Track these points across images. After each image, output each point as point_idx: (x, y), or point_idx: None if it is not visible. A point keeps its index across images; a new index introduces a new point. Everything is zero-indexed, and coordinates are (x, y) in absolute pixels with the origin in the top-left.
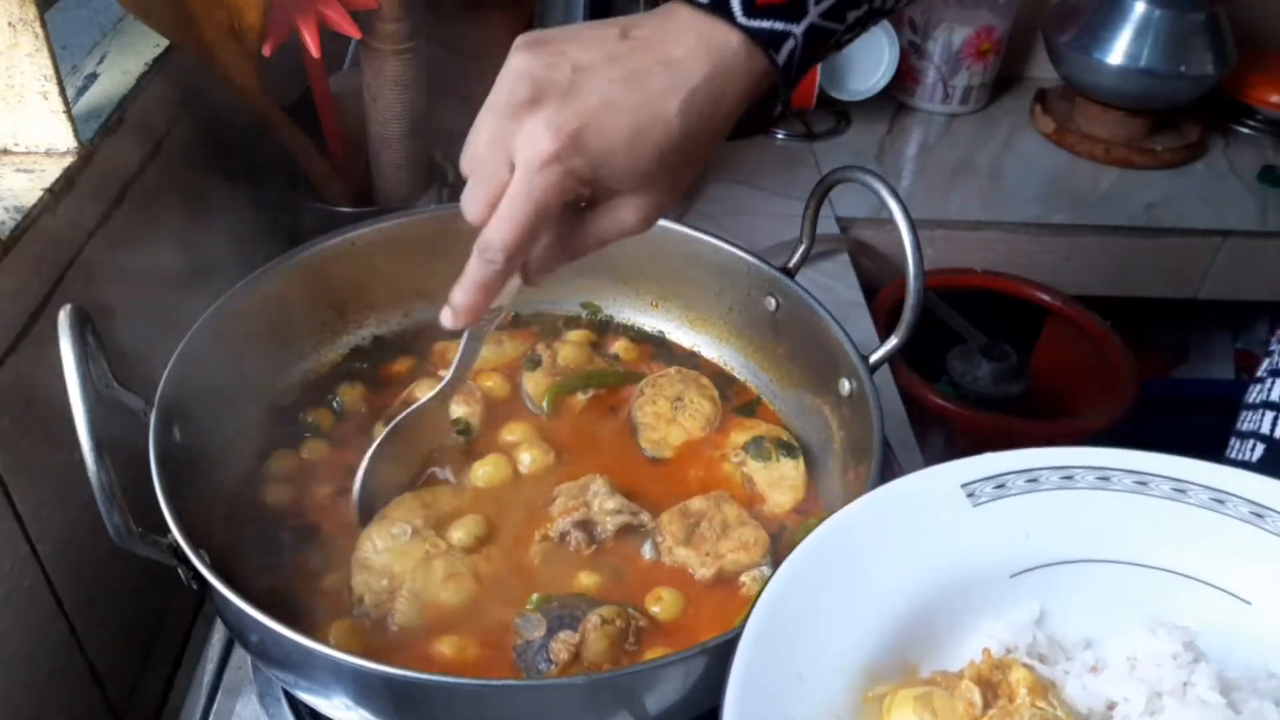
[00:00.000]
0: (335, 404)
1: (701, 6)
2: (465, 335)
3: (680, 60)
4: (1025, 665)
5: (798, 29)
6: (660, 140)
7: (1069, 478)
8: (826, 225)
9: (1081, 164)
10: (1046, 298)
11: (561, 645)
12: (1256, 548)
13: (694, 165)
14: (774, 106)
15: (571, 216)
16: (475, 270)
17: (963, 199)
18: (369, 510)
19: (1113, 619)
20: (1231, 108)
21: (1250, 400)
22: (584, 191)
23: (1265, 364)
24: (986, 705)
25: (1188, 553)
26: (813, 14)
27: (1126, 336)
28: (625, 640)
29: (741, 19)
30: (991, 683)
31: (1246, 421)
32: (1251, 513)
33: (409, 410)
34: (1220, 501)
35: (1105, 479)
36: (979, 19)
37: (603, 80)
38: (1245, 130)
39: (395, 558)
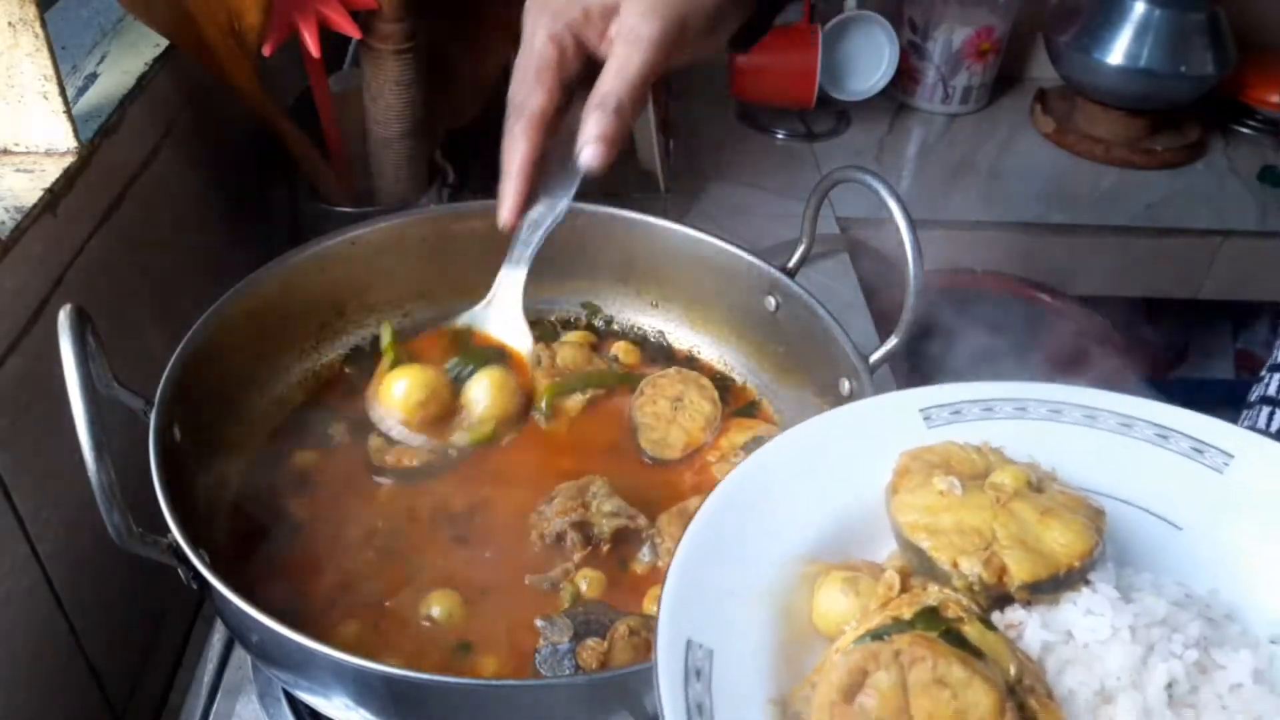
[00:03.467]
0: (335, 412)
1: None
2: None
3: None
4: None
5: None
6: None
7: (1022, 409)
8: (826, 225)
9: (1081, 164)
10: (1046, 298)
11: (591, 652)
12: (1192, 479)
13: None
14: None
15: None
16: (504, 143)
17: (963, 199)
18: None
19: None
20: (1231, 108)
21: (1250, 399)
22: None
23: (1269, 361)
24: (903, 590)
25: (1128, 480)
26: None
27: (1126, 336)
28: (649, 652)
29: None
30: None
31: (1245, 419)
32: (1191, 447)
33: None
34: (1164, 436)
35: (1057, 412)
36: (979, 19)
37: None
38: (1245, 130)
39: (967, 514)
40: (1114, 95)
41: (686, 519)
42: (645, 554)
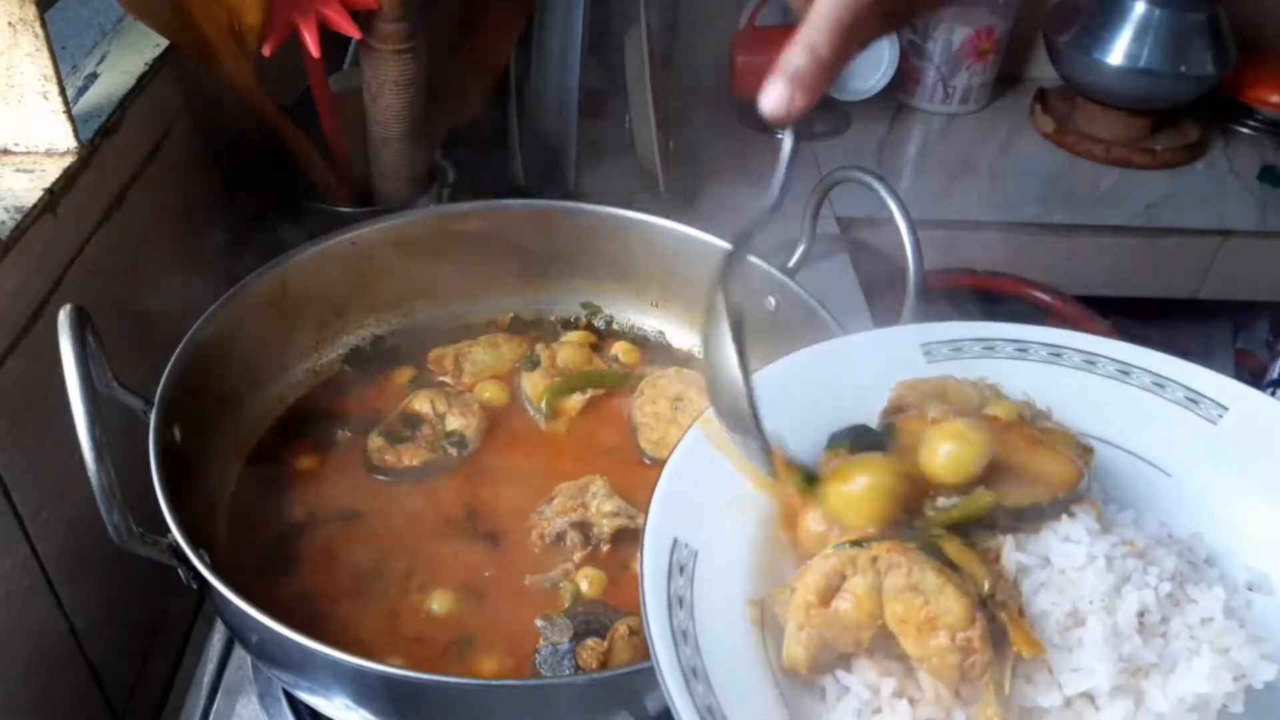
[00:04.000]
0: (335, 411)
1: None
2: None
3: None
4: None
5: None
6: None
7: (1023, 350)
8: (826, 225)
9: (1081, 164)
10: (1046, 298)
11: (591, 652)
12: (1186, 428)
13: None
14: None
15: None
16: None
17: (963, 199)
18: None
19: None
20: (1231, 108)
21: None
22: None
23: (1268, 375)
24: None
25: (1123, 425)
26: None
27: (1126, 336)
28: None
29: None
30: None
31: None
32: (1187, 397)
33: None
34: (1160, 385)
35: (1057, 355)
36: (979, 19)
37: None
38: (1245, 130)
39: None
40: (1114, 95)
41: None
42: None
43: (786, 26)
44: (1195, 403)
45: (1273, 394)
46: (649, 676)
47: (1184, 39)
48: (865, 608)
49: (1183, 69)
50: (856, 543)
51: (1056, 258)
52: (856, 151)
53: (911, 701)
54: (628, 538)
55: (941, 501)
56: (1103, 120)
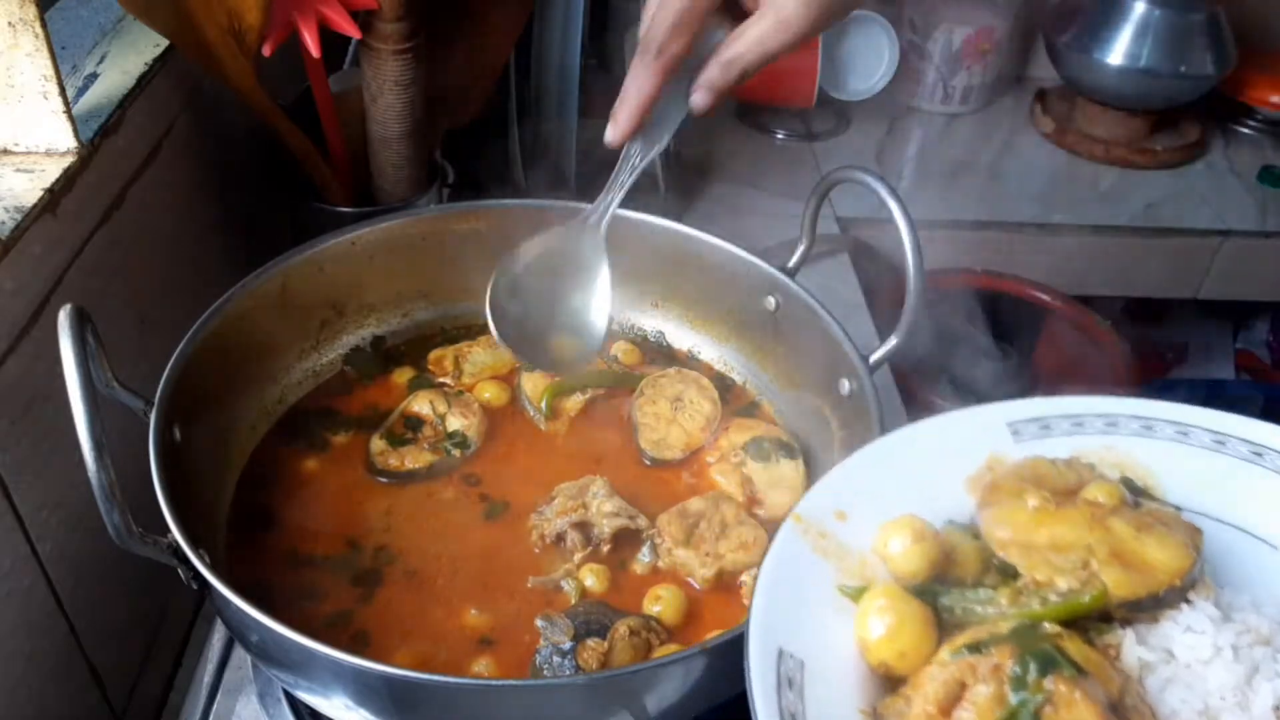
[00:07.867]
0: (335, 411)
1: None
2: (622, 155)
3: None
4: None
5: None
6: None
7: (1113, 424)
8: (826, 225)
9: (1081, 164)
10: (1046, 298)
11: (591, 652)
12: None
13: None
14: None
15: (726, 24)
16: (632, 70)
17: (963, 199)
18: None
19: None
20: (1231, 108)
21: None
22: None
23: None
24: None
25: (1223, 499)
26: None
27: (1126, 336)
28: (649, 652)
29: None
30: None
31: None
32: None
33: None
34: (1259, 455)
35: (1148, 428)
36: (979, 19)
37: None
38: (1245, 130)
39: (1062, 529)
40: (1114, 95)
41: (686, 519)
42: (645, 554)
43: None
44: None
45: None
46: (649, 676)
47: (1184, 39)
48: (989, 718)
49: (1183, 69)
50: (975, 648)
51: (1056, 258)
52: (856, 151)
53: None
54: (628, 538)
55: (1053, 596)
56: (1103, 120)
